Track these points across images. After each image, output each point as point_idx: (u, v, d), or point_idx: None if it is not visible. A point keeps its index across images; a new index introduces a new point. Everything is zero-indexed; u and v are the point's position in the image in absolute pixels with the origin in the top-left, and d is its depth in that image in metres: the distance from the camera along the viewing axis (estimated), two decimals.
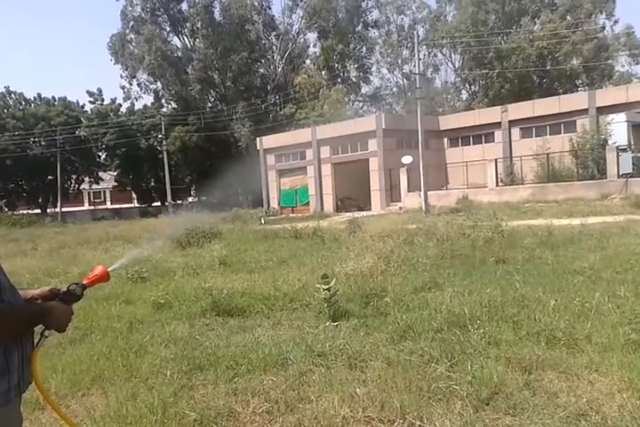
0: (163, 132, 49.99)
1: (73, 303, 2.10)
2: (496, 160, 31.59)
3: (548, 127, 33.19)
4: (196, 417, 3.68)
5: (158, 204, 58.48)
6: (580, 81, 49.99)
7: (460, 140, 37.81)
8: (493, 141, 35.80)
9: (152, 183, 59.26)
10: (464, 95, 56.10)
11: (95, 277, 2.21)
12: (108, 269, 2.26)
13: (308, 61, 59.63)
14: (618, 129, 29.31)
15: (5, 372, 1.83)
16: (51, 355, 5.18)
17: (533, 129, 33.96)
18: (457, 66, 54.99)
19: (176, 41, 58.38)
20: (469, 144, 37.19)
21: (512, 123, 34.63)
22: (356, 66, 59.51)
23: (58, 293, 2.11)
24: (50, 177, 55.52)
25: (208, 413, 3.79)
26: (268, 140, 43.31)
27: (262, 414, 3.79)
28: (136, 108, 59.10)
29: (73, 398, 4.35)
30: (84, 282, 2.17)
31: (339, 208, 37.22)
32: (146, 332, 6.05)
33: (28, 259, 14.25)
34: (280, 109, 52.52)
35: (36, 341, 1.97)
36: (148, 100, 59.98)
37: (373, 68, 60.27)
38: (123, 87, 58.32)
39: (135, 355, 5.20)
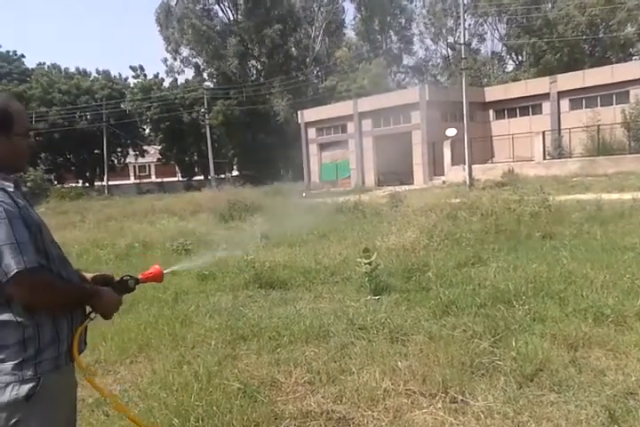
0: (205, 106, 50.23)
1: (124, 294, 2.14)
2: (544, 133, 30.63)
3: (599, 98, 31.90)
4: (239, 386, 3.74)
5: (201, 177, 59.19)
6: (634, 49, 47.68)
7: (506, 113, 36.78)
8: (541, 113, 34.69)
9: (195, 157, 59.91)
10: (510, 66, 54.30)
11: (151, 275, 2.26)
12: (164, 271, 2.30)
13: (347, 33, 58.71)
14: None
15: (55, 340, 1.91)
16: (100, 324, 5.33)
17: (583, 100, 32.70)
18: (503, 35, 53.04)
19: (221, 14, 57.94)
20: (516, 116, 36.14)
21: (561, 94, 33.41)
22: (397, 37, 58.18)
23: (111, 280, 2.17)
24: (96, 151, 56.70)
25: (251, 382, 3.86)
26: (309, 114, 43.07)
27: (304, 385, 3.85)
28: (178, 82, 59.51)
29: (121, 364, 4.50)
30: (139, 277, 2.22)
31: (380, 182, 36.94)
32: (191, 302, 6.19)
33: (76, 231, 14.71)
34: (321, 82, 52.01)
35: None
36: (190, 74, 60.27)
37: (416, 39, 58.89)
38: (165, 60, 58.66)
39: (181, 324, 5.33)
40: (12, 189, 1.92)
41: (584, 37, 45.35)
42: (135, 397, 3.79)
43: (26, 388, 1.82)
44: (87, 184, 57.86)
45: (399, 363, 4.00)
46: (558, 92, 33.46)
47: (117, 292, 2.10)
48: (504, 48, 53.17)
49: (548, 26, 45.72)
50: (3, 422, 1.83)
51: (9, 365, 1.83)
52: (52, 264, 1.95)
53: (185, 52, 57.48)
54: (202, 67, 58.84)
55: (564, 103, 33.60)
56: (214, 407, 3.42)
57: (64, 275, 1.99)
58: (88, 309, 2.03)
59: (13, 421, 1.83)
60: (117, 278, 2.17)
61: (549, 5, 47.26)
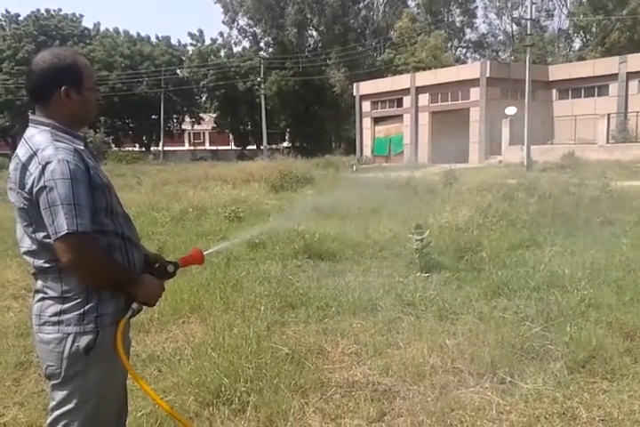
0: (261, 76, 50.16)
1: (165, 280, 2.13)
2: (609, 115, 29.33)
3: None
4: (287, 352, 3.83)
5: (254, 147, 59.55)
6: None
7: (570, 93, 35.31)
8: (607, 95, 33.11)
9: (249, 126, 60.20)
10: (577, 44, 51.84)
11: (190, 258, 2.24)
12: (204, 253, 2.28)
13: (411, 3, 57.12)
14: None
15: (114, 294, 1.95)
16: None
17: None
18: (571, 11, 50.47)
19: None
20: (580, 97, 34.64)
21: (630, 75, 31.74)
22: (460, 10, 56.26)
23: (151, 265, 2.15)
24: (154, 116, 57.64)
25: (299, 349, 3.93)
26: (364, 87, 42.43)
27: (351, 355, 3.89)
28: (234, 51, 59.47)
29: (174, 324, 4.65)
30: (179, 261, 2.20)
31: (434, 159, 36.28)
32: (242, 268, 6.31)
33: (133, 193, 15.11)
34: (379, 55, 51.06)
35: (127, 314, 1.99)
36: (247, 44, 60.11)
37: (479, 13, 56.89)
38: (221, 34, 58.67)
39: (232, 289, 5.45)
40: (82, 147, 1.96)
41: None
42: (187, 355, 3.92)
43: (86, 340, 1.88)
44: (143, 149, 59.04)
45: (447, 341, 3.99)
46: (627, 73, 31.81)
47: (158, 277, 2.09)
48: (571, 25, 50.70)
49: (621, 2, 43.24)
50: (63, 371, 1.90)
51: (72, 315, 1.89)
52: (115, 222, 1.99)
53: (242, 21, 57.35)
54: (259, 36, 58.64)
55: (633, 85, 31.95)
56: (263, 370, 3.51)
57: (127, 233, 2.04)
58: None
59: (73, 371, 1.90)
60: (157, 265, 2.15)
61: None
